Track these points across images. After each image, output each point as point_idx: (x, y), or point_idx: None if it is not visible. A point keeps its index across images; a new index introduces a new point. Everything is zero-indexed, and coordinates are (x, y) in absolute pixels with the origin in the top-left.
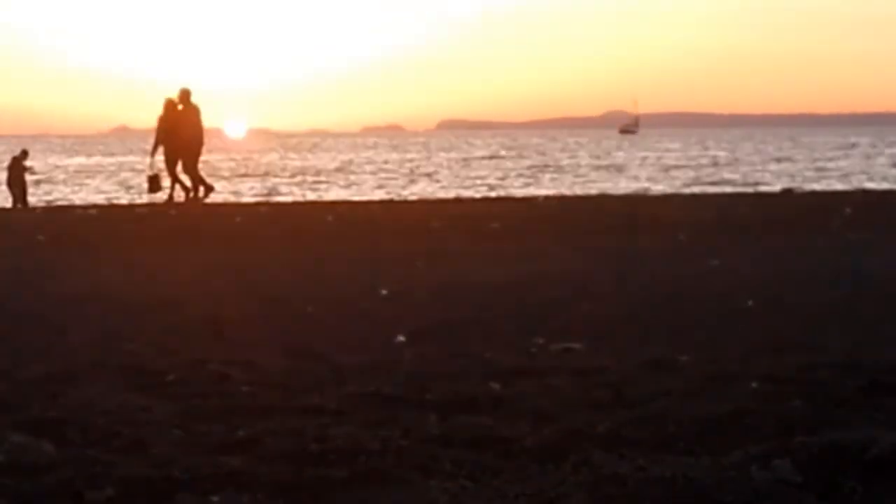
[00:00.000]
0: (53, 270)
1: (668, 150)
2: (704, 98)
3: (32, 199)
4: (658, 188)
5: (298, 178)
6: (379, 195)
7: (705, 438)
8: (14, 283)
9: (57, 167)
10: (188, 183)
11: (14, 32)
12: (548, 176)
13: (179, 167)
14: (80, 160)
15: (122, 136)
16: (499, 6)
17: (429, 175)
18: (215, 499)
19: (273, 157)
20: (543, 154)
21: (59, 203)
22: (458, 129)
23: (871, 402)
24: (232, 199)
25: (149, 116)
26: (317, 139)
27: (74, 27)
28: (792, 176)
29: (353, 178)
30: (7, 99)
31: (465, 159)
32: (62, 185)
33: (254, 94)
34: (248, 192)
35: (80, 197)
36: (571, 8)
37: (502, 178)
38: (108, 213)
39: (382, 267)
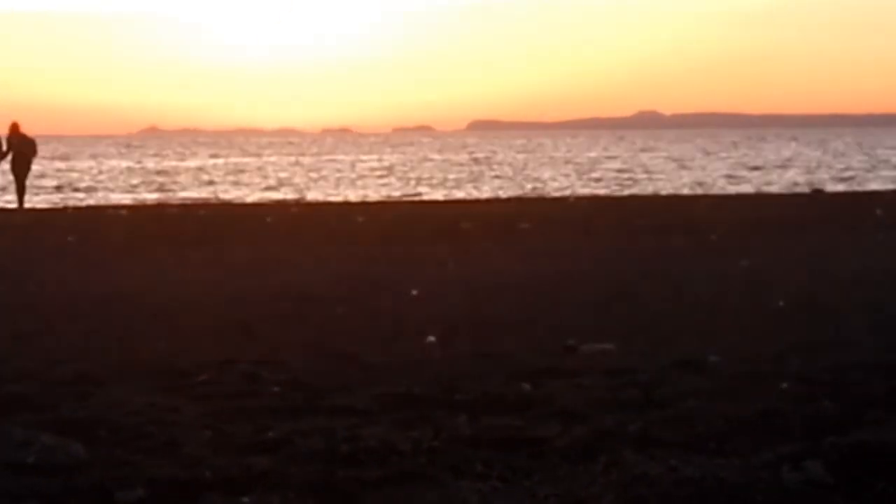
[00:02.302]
0: (83, 271)
1: None
2: (732, 98)
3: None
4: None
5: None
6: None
7: (736, 439)
8: (44, 283)
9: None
10: None
11: (35, 25)
12: None
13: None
14: (111, 163)
15: (150, 138)
16: (526, 5)
17: None
18: (245, 499)
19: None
20: None
21: (89, 203)
22: (489, 129)
23: None
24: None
25: (180, 117)
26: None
27: (105, 24)
28: None
29: None
30: (28, 97)
31: None
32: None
33: (277, 95)
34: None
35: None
36: (600, 6)
37: None
38: (138, 214)
39: (413, 267)
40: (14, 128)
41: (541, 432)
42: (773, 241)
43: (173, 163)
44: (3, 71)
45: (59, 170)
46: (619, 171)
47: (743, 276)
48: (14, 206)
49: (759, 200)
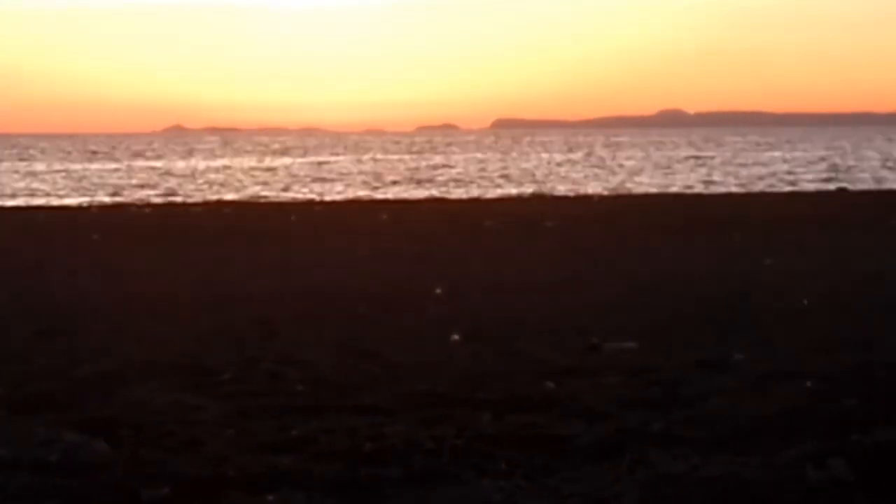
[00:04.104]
0: (107, 269)
1: None
2: (756, 97)
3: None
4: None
5: None
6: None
7: (759, 437)
8: (68, 282)
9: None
10: None
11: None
12: None
13: None
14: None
15: (173, 137)
16: (551, 2)
17: None
18: (269, 498)
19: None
20: None
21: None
22: (513, 127)
23: None
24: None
25: (205, 116)
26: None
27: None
28: None
29: None
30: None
31: None
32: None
33: (300, 93)
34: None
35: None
36: (624, 4)
37: None
38: (162, 212)
39: (436, 266)
40: None
41: (564, 431)
42: (797, 240)
43: (205, 162)
44: (24, 69)
45: (82, 168)
46: None
47: (766, 274)
48: None
49: (783, 199)
